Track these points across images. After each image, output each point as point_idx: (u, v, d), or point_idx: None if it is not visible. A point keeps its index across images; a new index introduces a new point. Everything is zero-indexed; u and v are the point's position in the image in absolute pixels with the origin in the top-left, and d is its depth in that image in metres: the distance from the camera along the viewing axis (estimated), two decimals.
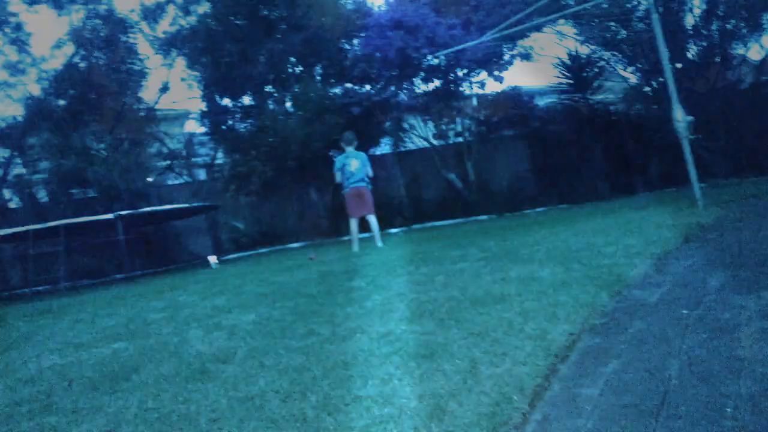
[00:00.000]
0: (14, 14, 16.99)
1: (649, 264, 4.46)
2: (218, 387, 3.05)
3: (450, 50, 13.87)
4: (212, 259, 12.38)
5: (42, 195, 16.68)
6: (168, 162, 17.86)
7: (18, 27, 17.03)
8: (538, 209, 15.07)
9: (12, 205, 16.86)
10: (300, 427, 2.42)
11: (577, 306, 3.53)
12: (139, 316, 5.54)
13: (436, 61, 17.02)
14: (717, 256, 4.56)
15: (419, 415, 2.35)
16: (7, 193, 17.17)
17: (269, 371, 3.18)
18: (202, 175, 18.31)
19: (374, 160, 10.14)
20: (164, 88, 18.17)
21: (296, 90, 17.59)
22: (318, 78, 18.26)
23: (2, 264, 15.37)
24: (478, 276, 4.79)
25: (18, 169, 17.33)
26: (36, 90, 17.20)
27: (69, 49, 17.43)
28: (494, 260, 5.44)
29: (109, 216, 12.60)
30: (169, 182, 17.73)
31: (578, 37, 16.86)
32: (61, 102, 17.09)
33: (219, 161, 18.22)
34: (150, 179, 17.15)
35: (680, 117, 8.67)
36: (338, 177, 9.89)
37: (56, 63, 17.49)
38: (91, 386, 3.38)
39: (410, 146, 18.36)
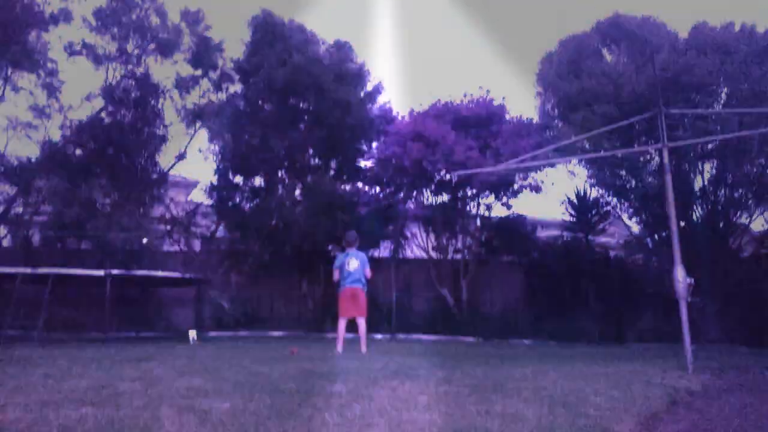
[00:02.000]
0: (53, 60, 17.56)
1: (634, 423, 4.38)
2: None
3: (464, 172, 14.22)
4: (192, 333, 12.15)
5: (36, 238, 16.62)
6: (168, 227, 17.90)
7: (52, 72, 17.55)
8: (526, 341, 14.95)
9: (5, 243, 16.78)
10: None
11: None
12: (112, 383, 5.39)
13: (448, 177, 17.45)
14: (703, 427, 4.48)
15: None
16: (2, 230, 17.14)
17: None
18: (198, 246, 18.30)
19: (372, 262, 10.14)
20: (181, 156, 18.51)
21: (309, 180, 17.94)
22: (332, 172, 18.64)
23: None
24: (463, 404, 4.70)
25: (19, 209, 17.36)
26: (56, 136, 17.54)
27: (98, 102, 17.93)
28: (480, 389, 5.34)
29: (100, 272, 12.50)
30: (165, 248, 17.70)
31: (589, 179, 17.35)
32: (78, 152, 17.37)
33: (218, 235, 18.28)
34: (146, 241, 17.14)
35: (681, 278, 8.75)
36: (336, 275, 9.86)
37: (82, 114, 17.95)
38: None
39: (409, 255, 18.47)
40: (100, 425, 3.84)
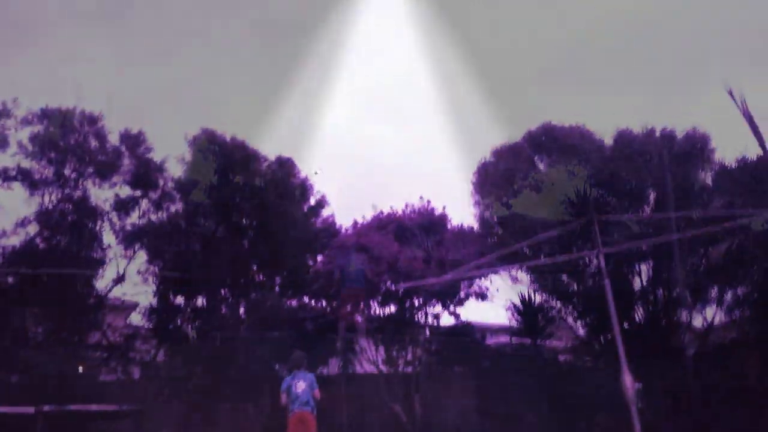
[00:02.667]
0: None
1: None
2: None
3: (410, 284, 14.25)
4: None
5: None
6: (105, 355, 17.05)
7: None
8: None
9: None
10: None
11: None
12: None
13: (394, 288, 17.43)
14: None
15: None
16: None
17: None
18: (137, 373, 17.43)
19: (321, 380, 9.84)
20: (119, 279, 17.90)
21: (253, 297, 17.62)
22: (277, 288, 18.38)
23: None
24: None
25: None
26: None
27: (33, 228, 17.41)
28: None
29: (30, 409, 11.73)
30: (102, 377, 16.80)
31: (532, 284, 17.57)
32: (10, 279, 16.70)
33: (159, 360, 17.51)
34: (81, 370, 16.32)
35: (629, 384, 8.77)
36: (283, 399, 9.54)
37: (16, 240, 17.34)
38: None
39: (359, 370, 18.04)
40: None
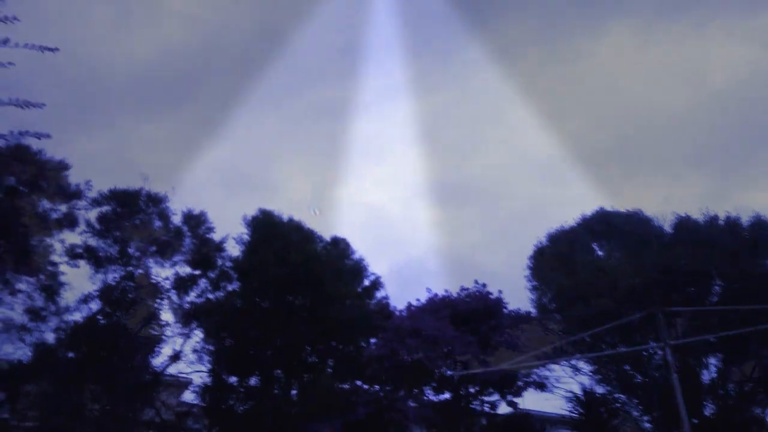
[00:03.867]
0: (54, 263, 17.75)
1: None
2: None
3: (465, 372, 13.92)
4: None
5: None
6: None
7: (52, 276, 17.65)
8: None
9: None
10: None
11: None
12: None
13: (449, 373, 17.05)
14: None
15: None
16: None
17: None
18: None
19: None
20: (176, 357, 18.09)
21: (305, 379, 17.46)
22: (329, 370, 18.19)
23: None
24: None
25: (5, 414, 16.60)
26: (50, 338, 17.26)
27: (95, 304, 17.85)
28: None
29: None
30: None
31: (593, 375, 16.94)
32: (71, 354, 17.00)
33: None
34: None
35: None
36: None
37: (78, 315, 17.76)
38: None
39: None
40: None
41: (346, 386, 17.87)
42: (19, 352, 17.04)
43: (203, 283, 19.44)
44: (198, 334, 18.47)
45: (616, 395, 16.84)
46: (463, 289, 19.14)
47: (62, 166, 19.21)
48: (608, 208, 19.13)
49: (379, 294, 21.61)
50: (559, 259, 18.69)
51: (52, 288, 17.65)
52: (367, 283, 21.49)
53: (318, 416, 15.93)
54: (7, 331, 17.14)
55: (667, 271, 15.61)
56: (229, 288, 19.69)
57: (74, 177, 18.56)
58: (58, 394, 15.65)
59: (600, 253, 18.74)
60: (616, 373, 16.20)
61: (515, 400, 17.30)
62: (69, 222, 18.01)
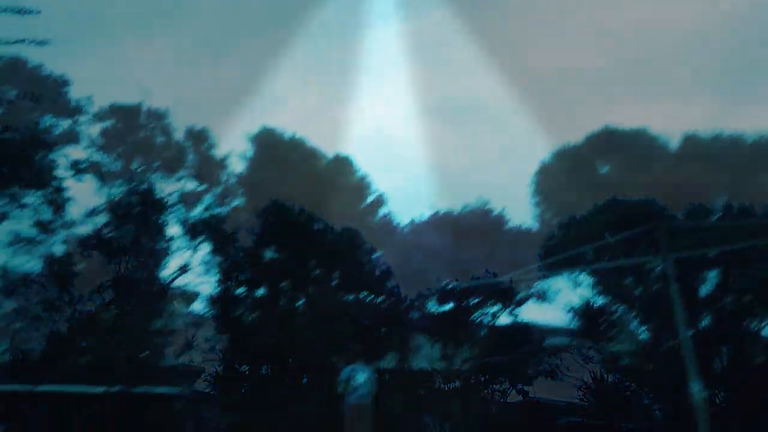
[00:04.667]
0: (59, 178, 17.86)
1: None
2: None
3: (469, 284, 14.20)
4: None
5: (36, 354, 16.25)
6: (168, 339, 17.56)
7: (58, 190, 17.80)
8: None
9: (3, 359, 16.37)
10: None
11: None
12: None
13: (451, 286, 17.39)
14: None
15: None
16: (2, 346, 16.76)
17: None
18: (199, 358, 17.90)
19: (377, 375, 9.89)
20: (183, 269, 18.47)
21: (311, 292, 17.81)
22: (334, 282, 18.54)
23: None
24: None
25: (19, 324, 17.08)
26: (59, 250, 17.58)
27: (101, 218, 18.09)
28: None
29: (99, 390, 12.18)
30: (165, 363, 17.27)
31: (593, 287, 17.23)
32: (80, 266, 17.35)
33: (220, 348, 17.93)
34: (145, 355, 16.78)
35: (696, 390, 8.60)
36: (341, 387, 9.59)
37: (85, 229, 18.06)
38: None
39: (414, 366, 18.02)
40: None
41: (351, 298, 18.22)
42: (30, 263, 17.42)
43: (208, 198, 19.69)
44: (205, 248, 18.82)
45: (615, 307, 17.19)
46: (465, 206, 19.32)
47: (62, 81, 19.04)
48: (614, 125, 19.02)
49: (383, 211, 21.92)
50: (563, 175, 18.74)
51: (57, 202, 17.87)
52: (370, 200, 21.73)
53: (324, 326, 16.32)
54: (16, 243, 17.45)
55: (671, 186, 15.65)
56: (233, 204, 19.94)
57: (75, 92, 18.49)
58: (69, 303, 16.02)
59: (604, 169, 18.79)
60: (616, 286, 16.46)
61: (516, 312, 17.72)
62: (71, 137, 18.07)
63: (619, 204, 16.07)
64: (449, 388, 17.47)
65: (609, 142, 18.88)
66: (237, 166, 20.51)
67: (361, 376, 9.66)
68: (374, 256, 19.61)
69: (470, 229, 18.26)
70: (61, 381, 13.51)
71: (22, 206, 17.37)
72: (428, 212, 19.68)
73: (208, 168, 19.43)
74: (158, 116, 19.62)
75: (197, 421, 14.28)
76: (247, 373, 16.57)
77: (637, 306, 16.47)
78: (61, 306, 16.11)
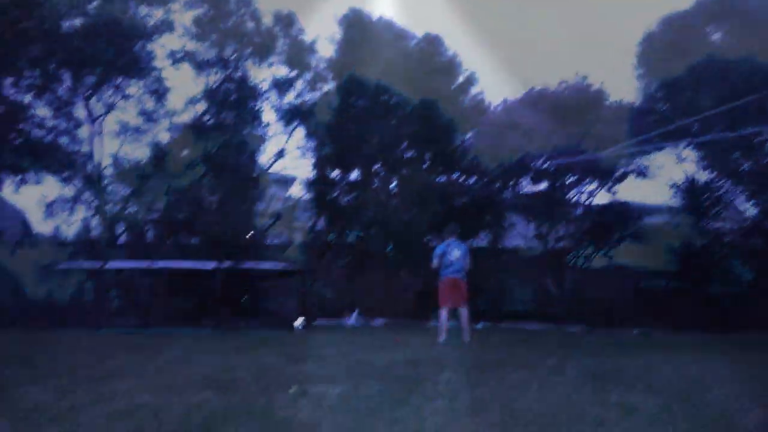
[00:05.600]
0: (158, 68, 18.40)
1: (763, 414, 4.10)
2: None
3: (563, 161, 13.83)
4: (299, 322, 12.55)
5: (150, 235, 17.56)
6: (270, 222, 18.49)
7: (158, 80, 18.38)
8: (635, 330, 14.32)
9: (121, 240, 17.81)
10: None
11: None
12: (229, 370, 5.62)
13: (546, 166, 17.06)
14: None
15: None
16: (119, 229, 18.14)
17: None
18: (299, 238, 18.83)
19: (471, 253, 10.03)
20: (280, 154, 19.09)
21: (404, 173, 18.01)
22: (426, 164, 18.61)
23: (105, 297, 16.09)
24: (574, 394, 4.57)
25: (133, 209, 18.33)
26: (164, 138, 18.45)
27: (200, 106, 18.69)
28: (593, 379, 5.18)
29: (209, 266, 13.10)
30: (268, 242, 18.27)
31: (699, 162, 16.40)
32: (185, 153, 18.19)
33: (317, 228, 18.70)
34: (250, 236, 17.75)
35: None
36: (436, 263, 9.76)
37: (186, 117, 18.72)
38: None
39: (508, 244, 18.18)
40: (220, 410, 4.01)
41: (443, 179, 18.30)
42: (138, 152, 18.42)
43: (300, 84, 19.84)
44: (299, 132, 19.28)
45: (721, 183, 16.34)
46: (561, 82, 18.45)
47: None
48: None
49: (474, 90, 21.33)
50: (669, 45, 17.44)
51: (159, 91, 18.50)
52: (461, 80, 21.16)
53: (416, 207, 16.60)
54: (124, 132, 18.41)
55: None
56: (325, 89, 20.03)
57: None
58: (178, 188, 16.99)
59: (716, 36, 17.30)
60: (722, 161, 15.55)
61: (614, 189, 17.26)
62: (166, 26, 18.37)
63: (729, 72, 14.87)
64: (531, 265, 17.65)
65: (722, 5, 17.18)
66: (326, 50, 20.35)
67: (456, 252, 9.79)
68: (466, 136, 19.44)
69: (567, 107, 17.46)
70: (175, 258, 14.64)
71: (126, 97, 18.15)
72: (522, 90, 18.88)
73: (298, 53, 19.37)
74: (246, 2, 19.52)
75: (301, 293, 15.16)
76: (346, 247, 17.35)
77: (745, 181, 15.59)
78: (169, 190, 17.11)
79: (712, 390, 4.80)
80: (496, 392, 4.55)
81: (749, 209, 16.45)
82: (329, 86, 20.12)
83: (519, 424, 3.65)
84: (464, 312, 9.41)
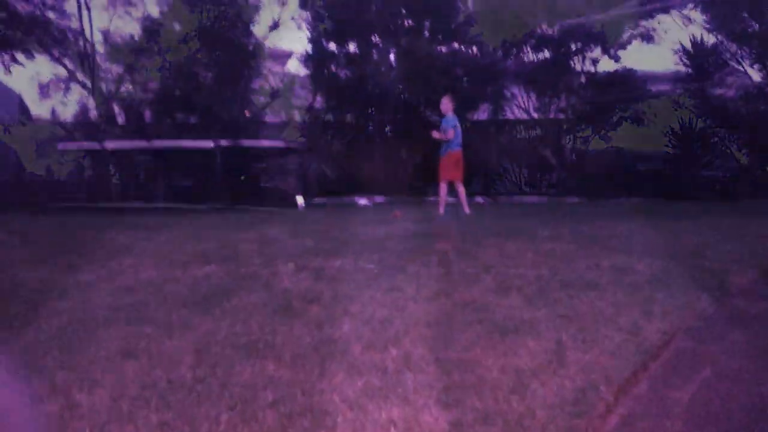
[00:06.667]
0: None
1: (757, 273, 4.22)
2: (303, 324, 3.14)
3: (568, 22, 13.30)
4: (299, 200, 12.66)
5: (147, 115, 17.36)
6: (268, 99, 18.17)
7: None
8: (633, 199, 14.46)
9: (119, 120, 17.64)
10: (381, 378, 2.45)
11: (673, 306, 3.39)
12: (232, 245, 5.75)
13: (550, 30, 16.48)
14: None
15: (500, 388, 2.33)
16: (115, 108, 17.90)
17: (353, 318, 3.23)
18: (298, 116, 18.56)
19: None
20: (274, 25, 18.37)
21: (403, 44, 17.44)
22: (426, 34, 17.98)
23: (104, 177, 16.19)
24: (570, 259, 4.69)
25: (129, 86, 17.98)
26: (155, 12, 17.77)
27: None
28: (586, 246, 5.29)
29: (209, 144, 13.06)
30: (266, 119, 18.06)
31: (706, 25, 15.79)
32: (177, 27, 17.58)
33: (316, 105, 18.41)
34: (248, 113, 17.53)
35: None
36: (451, 134, 9.58)
37: None
38: (183, 304, 3.55)
39: (509, 116, 17.93)
40: (225, 281, 4.14)
41: (444, 49, 17.72)
42: (129, 27, 17.84)
43: None
44: (294, 2, 18.49)
45: (728, 45, 15.79)
46: None
47: None
48: None
49: None
50: None
51: None
52: None
53: (416, 79, 16.21)
54: (113, 6, 17.71)
55: None
56: None
57: None
58: (172, 64, 16.58)
59: None
60: (730, 22, 14.91)
61: (619, 54, 16.72)
62: None
63: None
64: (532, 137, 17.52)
65: None
66: None
67: (458, 125, 9.66)
68: (468, 2, 18.61)
69: None
70: (173, 137, 14.57)
71: None
72: None
73: None
74: None
75: (300, 171, 15.24)
76: (346, 123, 17.15)
77: (753, 44, 15.06)
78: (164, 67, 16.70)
79: (703, 252, 4.92)
80: (492, 261, 4.67)
81: (754, 75, 16.02)
82: None
83: (512, 287, 3.77)
84: (461, 187, 9.45)
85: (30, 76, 17.20)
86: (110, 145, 13.83)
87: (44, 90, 17.00)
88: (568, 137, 17.27)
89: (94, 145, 13.92)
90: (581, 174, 16.41)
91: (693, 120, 16.23)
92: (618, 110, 16.37)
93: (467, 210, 9.24)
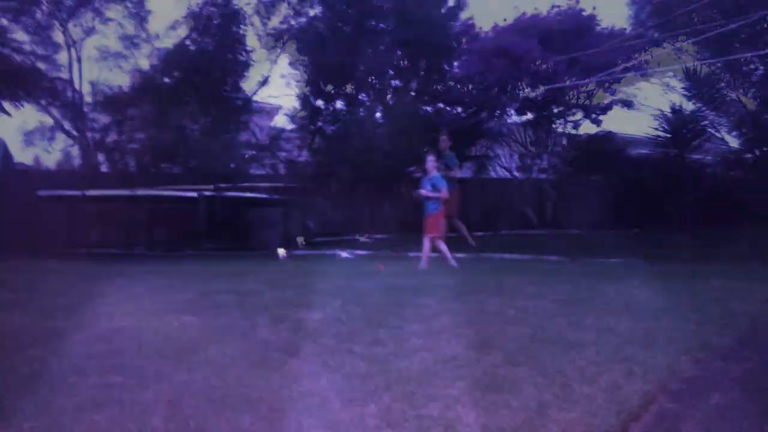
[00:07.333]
0: None
1: (735, 336, 4.22)
2: (281, 377, 3.07)
3: (552, 86, 13.67)
4: (282, 251, 12.57)
5: (132, 164, 17.36)
6: (253, 152, 18.28)
7: (140, 2, 17.79)
8: (614, 260, 14.50)
9: (103, 169, 17.60)
10: None
11: (654, 366, 3.36)
12: (210, 295, 5.66)
13: (533, 95, 16.89)
14: None
15: None
16: (100, 158, 17.89)
17: (332, 372, 3.18)
18: (282, 169, 18.67)
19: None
20: (264, 82, 18.66)
21: (389, 102, 17.79)
22: (412, 93, 18.36)
23: (86, 223, 16.01)
24: (552, 317, 4.67)
25: (114, 137, 18.02)
26: (145, 65, 17.98)
27: (182, 31, 18.12)
28: (569, 304, 5.28)
29: (194, 194, 13.03)
30: (251, 171, 18.11)
31: (685, 93, 16.29)
32: (166, 80, 17.78)
33: (301, 159, 18.57)
34: (233, 165, 17.60)
35: None
36: (444, 192, 9.67)
37: (168, 42, 18.17)
38: (158, 354, 3.47)
39: (492, 175, 18.19)
40: (202, 332, 4.06)
41: (429, 108, 18.09)
42: (119, 79, 17.96)
43: (285, 8, 19.19)
44: (284, 59, 18.83)
45: (705, 113, 16.28)
46: (554, 6, 18.04)
47: None
48: None
49: (464, 15, 20.78)
50: None
51: (140, 15, 17.92)
52: (451, 3, 20.59)
53: (402, 136, 16.45)
54: (104, 59, 17.89)
55: None
56: (311, 14, 19.41)
57: None
58: (160, 116, 16.68)
59: None
60: (708, 91, 15.44)
61: (599, 119, 17.13)
62: None
63: None
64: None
65: None
66: None
67: (442, 184, 9.80)
68: (454, 64, 19.08)
69: (558, 33, 17.13)
70: (156, 186, 14.52)
71: (107, 21, 17.57)
72: (513, 16, 18.44)
73: None
74: None
75: (284, 223, 15.19)
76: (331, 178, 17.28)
77: (730, 112, 15.53)
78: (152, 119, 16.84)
79: (685, 314, 4.91)
80: (474, 316, 4.64)
81: (731, 141, 16.48)
82: (315, 11, 19.50)
83: (494, 344, 3.74)
84: (443, 244, 9.53)
85: (16, 126, 17.18)
86: (91, 192, 13.73)
87: (29, 138, 17.04)
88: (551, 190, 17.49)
89: (75, 193, 13.84)
90: (562, 228, 16.54)
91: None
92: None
93: (455, 264, 9.25)
